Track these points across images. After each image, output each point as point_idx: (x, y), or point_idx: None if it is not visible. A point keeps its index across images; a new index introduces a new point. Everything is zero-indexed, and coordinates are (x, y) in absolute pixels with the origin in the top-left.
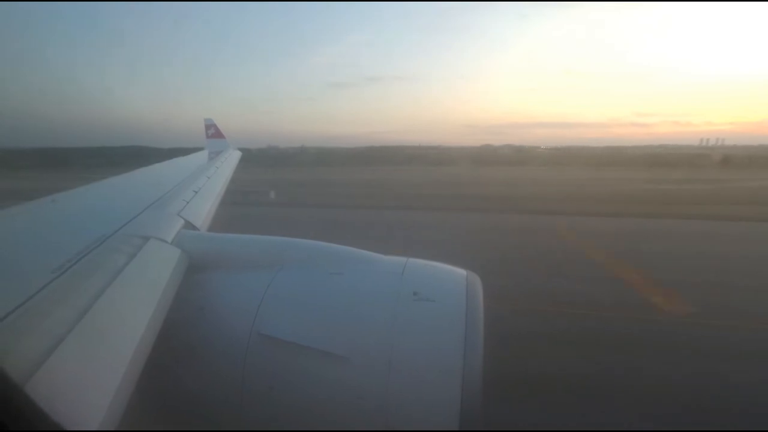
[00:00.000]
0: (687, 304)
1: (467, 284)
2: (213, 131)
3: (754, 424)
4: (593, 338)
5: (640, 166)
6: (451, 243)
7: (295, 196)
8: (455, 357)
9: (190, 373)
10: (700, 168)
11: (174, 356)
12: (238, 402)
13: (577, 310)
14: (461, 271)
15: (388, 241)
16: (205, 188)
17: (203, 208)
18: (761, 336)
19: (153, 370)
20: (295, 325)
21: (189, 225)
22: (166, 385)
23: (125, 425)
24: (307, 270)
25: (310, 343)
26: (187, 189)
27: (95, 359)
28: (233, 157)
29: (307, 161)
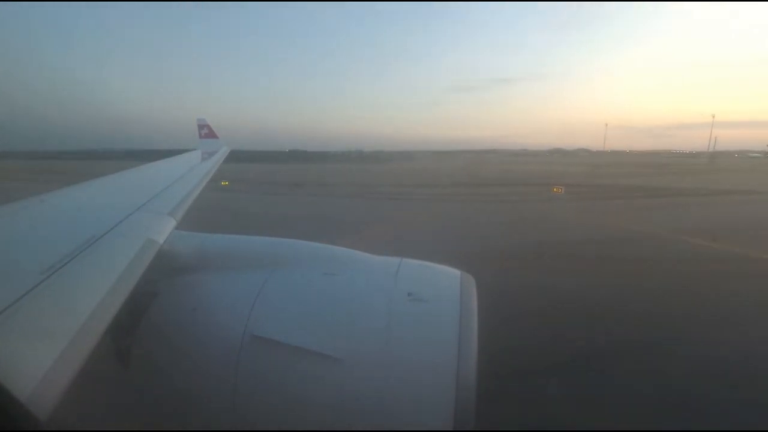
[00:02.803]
0: None
1: (461, 285)
2: (206, 131)
3: None
4: None
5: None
6: None
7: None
8: (449, 357)
9: (183, 376)
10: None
11: (167, 358)
12: (232, 404)
13: None
14: (455, 272)
15: None
16: (196, 188)
17: (194, 208)
18: None
19: (146, 372)
20: (289, 326)
21: (180, 225)
22: (160, 388)
23: (120, 426)
24: (301, 271)
25: (304, 345)
26: (178, 189)
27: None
28: (221, 153)
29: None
